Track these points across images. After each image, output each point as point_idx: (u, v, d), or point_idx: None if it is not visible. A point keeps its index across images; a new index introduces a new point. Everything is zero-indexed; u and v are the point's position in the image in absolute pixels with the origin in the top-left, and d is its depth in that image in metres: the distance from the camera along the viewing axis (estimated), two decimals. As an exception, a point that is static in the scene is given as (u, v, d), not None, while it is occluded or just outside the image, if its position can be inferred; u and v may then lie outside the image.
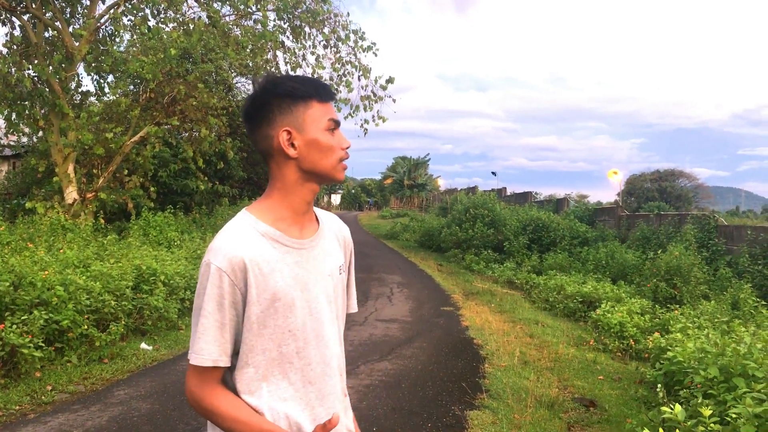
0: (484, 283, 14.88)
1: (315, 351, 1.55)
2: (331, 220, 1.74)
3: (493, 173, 38.50)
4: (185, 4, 13.98)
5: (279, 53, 15.23)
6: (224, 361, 1.47)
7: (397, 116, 16.36)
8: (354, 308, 1.82)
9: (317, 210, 1.70)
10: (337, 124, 1.58)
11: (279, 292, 1.48)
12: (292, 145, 1.53)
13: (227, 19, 14.35)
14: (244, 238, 1.49)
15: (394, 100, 15.85)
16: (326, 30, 14.73)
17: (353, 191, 71.50)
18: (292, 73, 14.85)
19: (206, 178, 17.91)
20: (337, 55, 15.21)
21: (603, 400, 6.19)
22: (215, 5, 14.19)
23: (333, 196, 69.70)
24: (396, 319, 10.01)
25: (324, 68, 14.89)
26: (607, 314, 9.27)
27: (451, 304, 11.68)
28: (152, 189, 15.81)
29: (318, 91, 1.56)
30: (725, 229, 14.41)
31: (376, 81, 15.40)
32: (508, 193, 30.62)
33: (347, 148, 1.59)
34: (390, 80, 15.41)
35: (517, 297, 13.05)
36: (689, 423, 4.05)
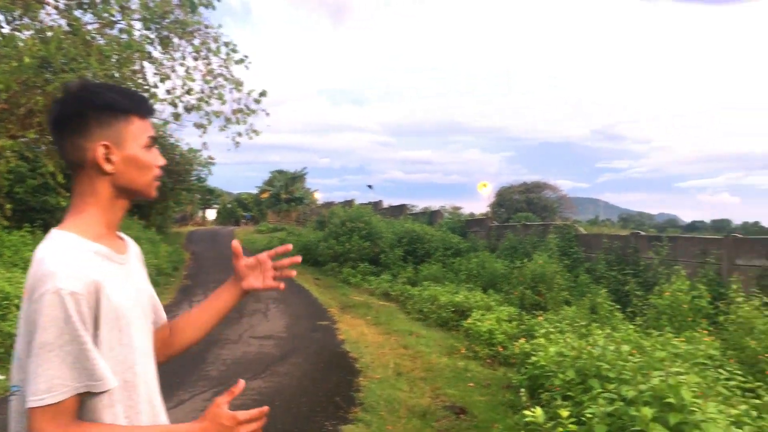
0: (361, 296, 14.98)
1: (150, 367, 1.55)
2: (126, 236, 1.70)
3: (369, 186, 38.86)
4: (43, 11, 13.17)
5: (147, 64, 14.66)
6: (99, 386, 1.36)
7: (274, 129, 16.19)
8: (165, 318, 1.79)
9: None
10: (154, 141, 1.56)
11: (120, 309, 1.44)
12: (109, 160, 1.48)
13: (89, 27, 13.65)
14: (84, 258, 1.41)
15: (267, 114, 15.65)
16: (196, 41, 14.31)
17: (229, 206, 69.93)
18: (161, 84, 14.35)
19: (68, 194, 16.90)
20: (209, 67, 14.83)
21: (473, 406, 6.37)
22: (76, 13, 13.46)
23: (208, 210, 67.85)
24: (271, 335, 9.85)
25: (194, 80, 14.44)
26: (477, 322, 9.59)
27: (328, 318, 11.66)
28: (7, 207, 14.68)
29: (139, 106, 1.53)
30: (584, 237, 15.33)
31: (249, 94, 15.14)
32: (385, 206, 31.06)
33: (161, 165, 1.57)
34: (263, 93, 15.21)
35: (392, 309, 13.22)
36: (549, 425, 4.25)
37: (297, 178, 58.18)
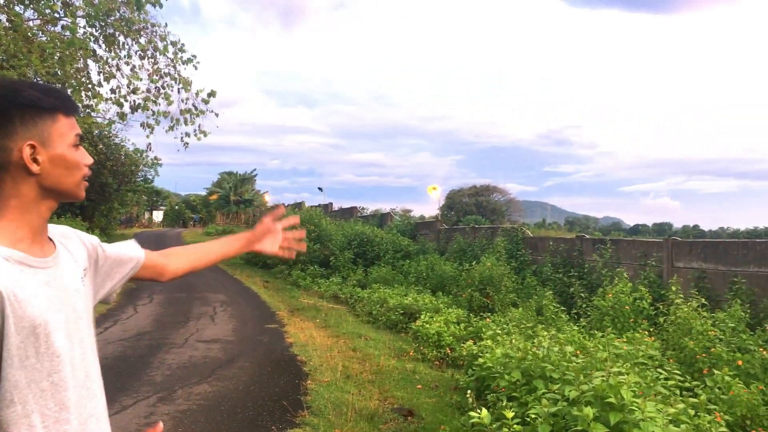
0: (310, 299, 14.90)
1: (78, 373, 1.47)
2: (57, 231, 1.62)
3: (320, 189, 38.81)
4: (-19, 6, 12.72)
5: (91, 62, 14.29)
6: None
7: (223, 131, 15.92)
8: (140, 252, 1.83)
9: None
10: (81, 139, 1.51)
11: (37, 317, 1.36)
12: (35, 160, 1.41)
13: (30, 23, 13.24)
14: None
15: (216, 115, 15.43)
16: (142, 40, 14.02)
17: (177, 207, 68.73)
18: (105, 83, 14.02)
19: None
20: (155, 67, 14.53)
21: (420, 408, 6.40)
22: (17, 8, 13.04)
23: (155, 212, 66.58)
24: (218, 339, 9.71)
25: (141, 79, 14.13)
26: (426, 325, 9.64)
27: (276, 321, 11.56)
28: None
29: (64, 103, 1.48)
30: (531, 240, 15.58)
31: (197, 94, 14.88)
32: (335, 209, 31.02)
33: (90, 164, 1.53)
34: (212, 94, 14.98)
35: (342, 311, 13.19)
36: (494, 425, 4.30)
37: (246, 179, 57.63)
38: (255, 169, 59.38)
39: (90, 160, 1.53)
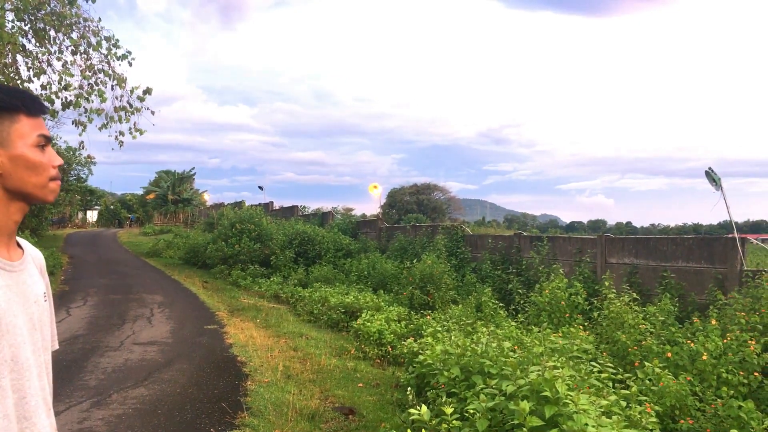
0: (251, 299, 14.74)
1: (30, 382, 1.45)
2: (29, 246, 1.63)
3: (260, 187, 38.47)
4: None
5: (20, 57, 13.78)
6: None
7: (160, 128, 15.57)
8: (56, 345, 1.73)
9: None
10: (47, 140, 1.48)
11: None
12: None
13: (-46, 16, 12.66)
14: None
15: (152, 112, 15.09)
16: (75, 35, 13.59)
17: (112, 207, 66.91)
18: (35, 79, 13.54)
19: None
20: (88, 63, 14.10)
21: (362, 406, 6.42)
22: (-62, -1, 12.46)
23: (89, 212, 64.63)
24: (155, 341, 9.51)
25: (73, 76, 13.70)
26: (367, 323, 9.66)
27: (216, 322, 11.39)
28: None
29: (26, 103, 1.45)
30: (471, 238, 15.79)
31: (132, 91, 14.52)
32: (276, 207, 30.75)
33: (59, 166, 1.51)
34: (147, 91, 14.64)
35: (282, 311, 13.09)
36: (434, 422, 4.34)
37: (185, 178, 56.51)
38: (194, 168, 58.32)
39: (59, 161, 1.50)
